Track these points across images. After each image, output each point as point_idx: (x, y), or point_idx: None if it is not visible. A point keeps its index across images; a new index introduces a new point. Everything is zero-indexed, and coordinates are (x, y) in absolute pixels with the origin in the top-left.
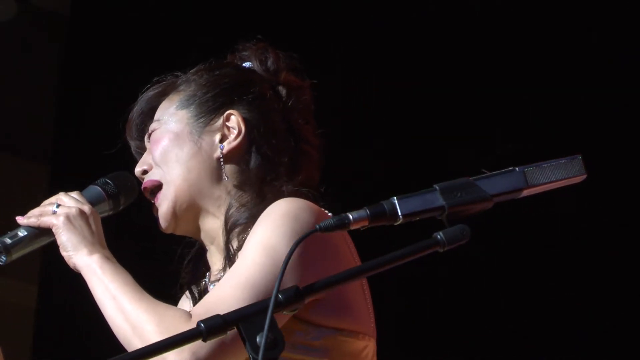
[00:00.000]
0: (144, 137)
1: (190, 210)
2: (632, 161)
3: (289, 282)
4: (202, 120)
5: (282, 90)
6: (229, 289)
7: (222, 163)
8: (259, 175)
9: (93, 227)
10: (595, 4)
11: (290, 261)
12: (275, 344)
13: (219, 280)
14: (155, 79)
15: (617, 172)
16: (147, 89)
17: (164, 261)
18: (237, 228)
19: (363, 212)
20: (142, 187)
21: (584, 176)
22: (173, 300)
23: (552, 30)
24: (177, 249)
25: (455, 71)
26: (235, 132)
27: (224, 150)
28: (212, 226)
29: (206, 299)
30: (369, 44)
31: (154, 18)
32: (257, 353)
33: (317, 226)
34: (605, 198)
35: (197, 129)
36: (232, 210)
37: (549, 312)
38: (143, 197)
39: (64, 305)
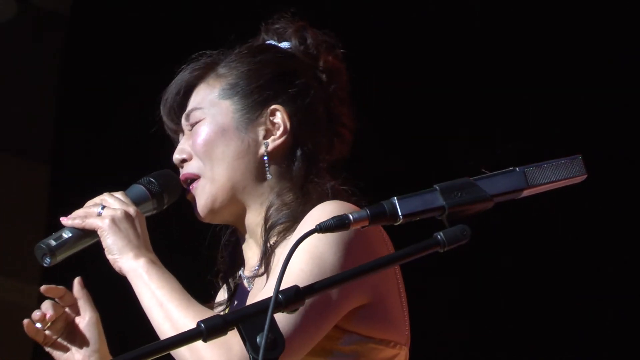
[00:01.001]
0: (179, 118)
1: (230, 205)
2: (633, 161)
3: (346, 298)
4: (247, 115)
5: (323, 76)
6: None
7: (266, 161)
8: (302, 174)
9: (139, 229)
10: (596, 4)
11: (336, 265)
12: (275, 344)
13: (254, 276)
14: (193, 56)
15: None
16: (185, 68)
17: (199, 248)
18: (278, 227)
19: (363, 212)
20: (181, 177)
21: (585, 176)
22: (209, 288)
23: (552, 30)
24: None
25: (455, 71)
26: (281, 129)
27: (269, 148)
28: (252, 221)
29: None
30: (369, 44)
31: (154, 18)
32: (257, 353)
33: (317, 226)
34: (605, 198)
35: (242, 125)
36: (273, 209)
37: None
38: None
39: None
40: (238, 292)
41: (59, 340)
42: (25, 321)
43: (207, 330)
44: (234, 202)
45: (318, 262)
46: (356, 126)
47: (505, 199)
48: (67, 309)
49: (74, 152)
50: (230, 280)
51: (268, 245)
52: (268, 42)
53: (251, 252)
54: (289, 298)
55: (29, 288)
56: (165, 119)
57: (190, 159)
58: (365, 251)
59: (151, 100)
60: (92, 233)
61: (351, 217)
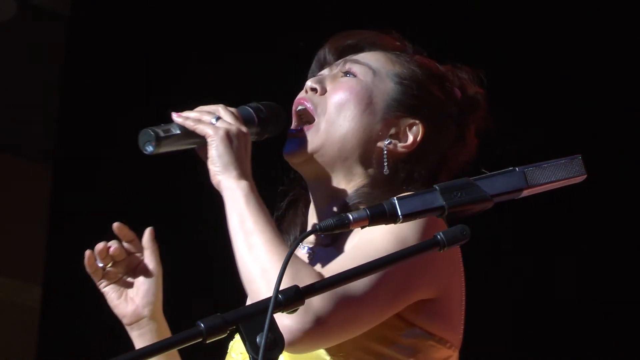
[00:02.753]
0: (339, 56)
1: (323, 165)
2: (633, 161)
3: (408, 267)
4: (397, 110)
5: (465, 130)
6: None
7: (385, 155)
8: (396, 185)
9: (249, 152)
10: (596, 4)
11: (414, 265)
12: (275, 344)
13: (315, 244)
14: (392, 30)
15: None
16: (375, 30)
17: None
18: (361, 203)
19: (363, 212)
20: (299, 99)
21: (584, 176)
22: None
23: (552, 29)
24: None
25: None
26: (410, 141)
27: (390, 147)
28: (334, 188)
29: (333, 268)
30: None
31: (154, 18)
32: (257, 353)
33: (317, 226)
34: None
35: (388, 112)
36: (366, 188)
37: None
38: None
39: (68, 306)
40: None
41: (116, 283)
42: (87, 252)
43: (207, 330)
44: (329, 163)
45: (402, 244)
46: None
47: (505, 199)
48: (134, 255)
49: (74, 152)
50: (292, 237)
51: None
52: (449, 78)
53: (318, 219)
54: (289, 298)
55: (29, 288)
56: (329, 46)
57: (322, 94)
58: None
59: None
60: (197, 137)
61: (351, 217)
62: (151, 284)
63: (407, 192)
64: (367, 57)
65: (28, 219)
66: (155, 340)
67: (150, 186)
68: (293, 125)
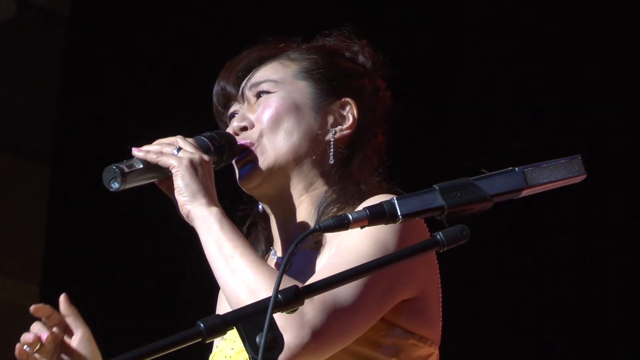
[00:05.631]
0: (239, 86)
1: (280, 177)
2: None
3: (390, 269)
4: (321, 99)
5: (379, 90)
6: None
7: (331, 147)
8: (359, 167)
9: (212, 179)
10: (596, 4)
11: (393, 251)
12: (275, 344)
13: (312, 247)
14: (269, 38)
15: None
16: (256, 44)
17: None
18: (332, 209)
19: (363, 212)
20: (238, 143)
21: (584, 176)
22: None
23: (552, 29)
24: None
25: (455, 70)
26: (350, 122)
27: (336, 136)
28: (295, 201)
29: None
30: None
31: (154, 18)
32: (256, 353)
33: (317, 226)
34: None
35: (317, 107)
36: (331, 191)
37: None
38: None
39: None
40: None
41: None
42: (17, 346)
43: (206, 330)
44: (284, 176)
45: (382, 248)
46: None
47: (505, 199)
48: (55, 329)
49: (74, 152)
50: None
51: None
52: (342, 48)
53: (286, 232)
54: (288, 298)
55: (29, 288)
56: (224, 83)
57: (251, 127)
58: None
59: (152, 100)
60: (160, 169)
61: (350, 217)
62: (86, 348)
63: (373, 174)
64: (265, 74)
65: (27, 219)
66: None
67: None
68: (239, 155)
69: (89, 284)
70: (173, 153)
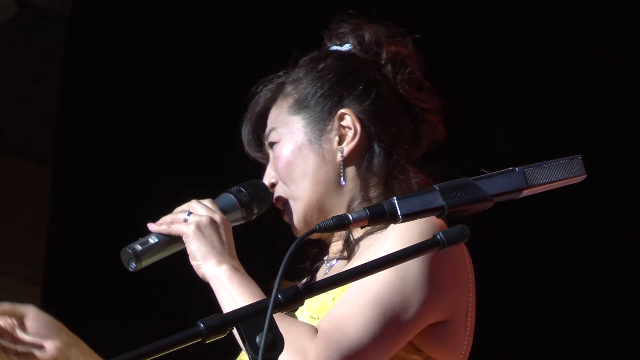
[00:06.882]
0: (260, 146)
1: (321, 217)
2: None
3: (411, 296)
4: (318, 126)
5: (387, 67)
6: (356, 306)
7: (341, 167)
8: (383, 170)
9: (223, 236)
10: (597, 4)
11: (419, 279)
12: (275, 344)
13: (335, 258)
14: (262, 80)
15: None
16: (255, 94)
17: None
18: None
19: (363, 212)
20: (274, 200)
21: (584, 176)
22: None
23: (551, 29)
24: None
25: (455, 70)
26: (352, 131)
27: (345, 153)
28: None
29: (333, 313)
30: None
31: (154, 18)
32: (256, 353)
33: (317, 226)
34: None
35: (315, 137)
36: (356, 203)
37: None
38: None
39: (67, 306)
40: (314, 276)
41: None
42: None
43: (206, 330)
44: (323, 212)
45: (401, 274)
46: (444, 106)
47: (505, 199)
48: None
49: (74, 152)
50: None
51: (351, 238)
52: (331, 48)
53: (336, 247)
54: (288, 298)
55: (29, 288)
56: (247, 149)
57: (277, 182)
58: (447, 270)
59: (152, 100)
60: (178, 239)
61: (350, 217)
62: (38, 322)
63: (403, 176)
64: (269, 122)
65: (27, 219)
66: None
67: (150, 186)
68: (270, 204)
69: (89, 284)
70: (184, 219)
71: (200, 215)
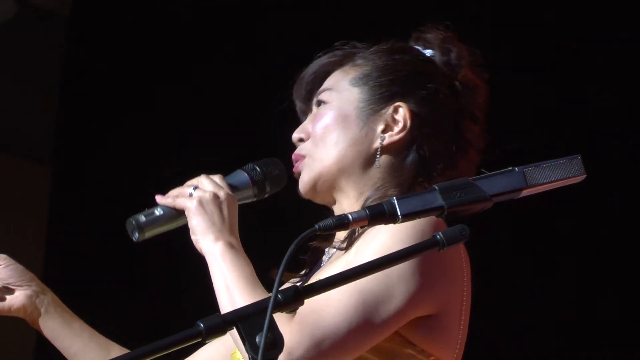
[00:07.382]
0: (311, 100)
1: (330, 189)
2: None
3: (395, 287)
4: (372, 106)
5: (458, 89)
6: (337, 293)
7: (378, 154)
8: (411, 174)
9: (225, 212)
10: (597, 4)
11: (403, 276)
12: (275, 344)
13: (336, 247)
14: (336, 44)
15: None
16: (325, 53)
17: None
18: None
19: (362, 212)
20: (293, 155)
21: (584, 176)
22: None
23: (552, 29)
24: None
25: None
26: (400, 126)
27: (384, 142)
28: (347, 206)
29: (313, 299)
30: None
31: (154, 18)
32: (256, 353)
33: (317, 226)
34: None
35: (365, 115)
36: (371, 200)
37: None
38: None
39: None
40: (315, 266)
41: None
42: None
43: (206, 330)
44: (335, 187)
45: (387, 271)
46: (485, 150)
47: (505, 199)
48: None
49: (74, 153)
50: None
51: (356, 230)
52: (413, 46)
53: (342, 234)
54: (288, 298)
55: None
56: (295, 97)
57: (307, 138)
58: (436, 264)
59: (152, 100)
60: (182, 213)
61: (350, 217)
62: (15, 274)
63: (427, 181)
64: (327, 83)
65: (27, 219)
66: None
67: (149, 186)
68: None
69: (89, 284)
70: (189, 194)
71: (204, 191)
